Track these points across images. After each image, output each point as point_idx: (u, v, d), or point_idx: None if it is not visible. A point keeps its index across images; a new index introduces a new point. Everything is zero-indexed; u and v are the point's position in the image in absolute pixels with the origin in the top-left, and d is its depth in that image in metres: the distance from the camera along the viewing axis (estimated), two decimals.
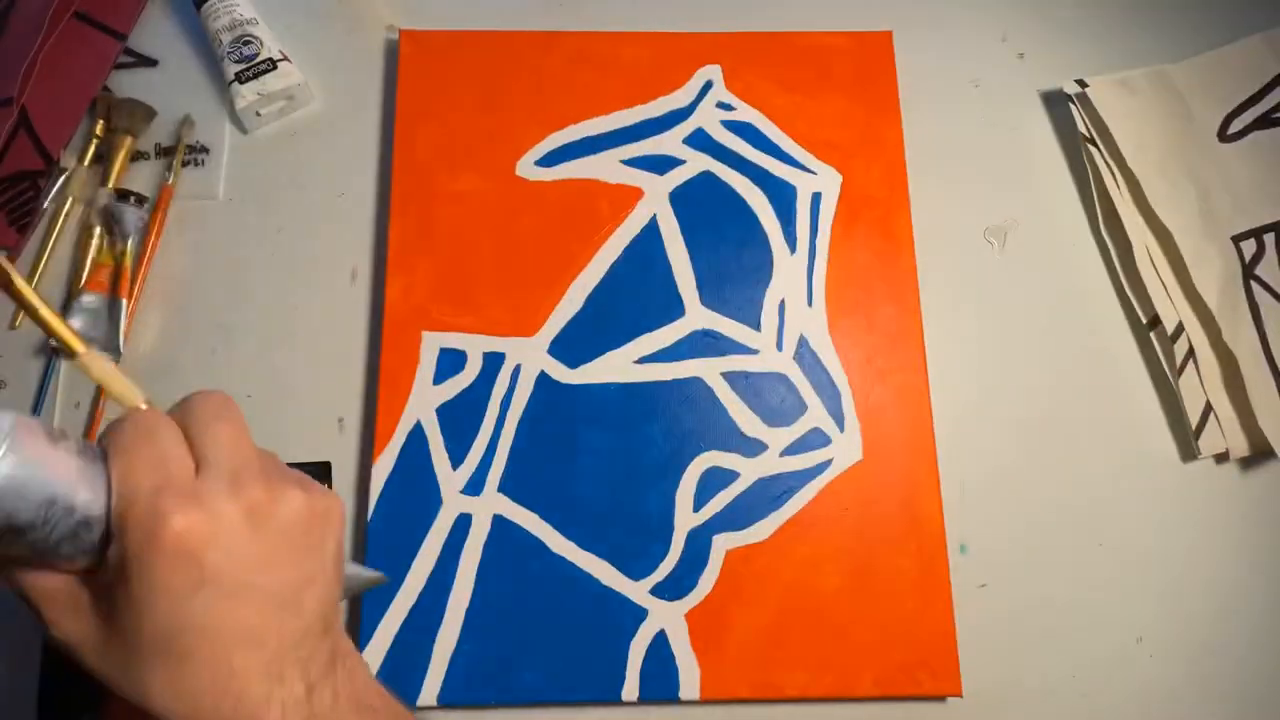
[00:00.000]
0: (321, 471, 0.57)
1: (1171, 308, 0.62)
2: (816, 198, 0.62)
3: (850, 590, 0.56)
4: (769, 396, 0.59)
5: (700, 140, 0.63)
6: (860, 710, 0.56)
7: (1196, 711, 0.57)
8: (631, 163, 0.63)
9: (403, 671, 0.53)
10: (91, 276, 0.60)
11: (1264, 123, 0.67)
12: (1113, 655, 0.57)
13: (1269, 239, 0.64)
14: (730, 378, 0.59)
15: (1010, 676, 0.56)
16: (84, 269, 0.61)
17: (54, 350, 0.59)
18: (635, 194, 0.62)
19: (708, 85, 0.65)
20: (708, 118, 0.64)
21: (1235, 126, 0.67)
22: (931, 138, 0.66)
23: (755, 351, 0.59)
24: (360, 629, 0.54)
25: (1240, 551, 0.60)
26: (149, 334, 0.61)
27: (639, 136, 0.63)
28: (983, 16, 0.71)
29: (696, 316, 0.60)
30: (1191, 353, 0.61)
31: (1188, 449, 0.61)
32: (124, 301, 0.60)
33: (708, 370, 0.59)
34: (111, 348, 0.59)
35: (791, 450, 0.58)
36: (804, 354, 0.60)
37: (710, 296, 0.60)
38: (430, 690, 0.53)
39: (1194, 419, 0.60)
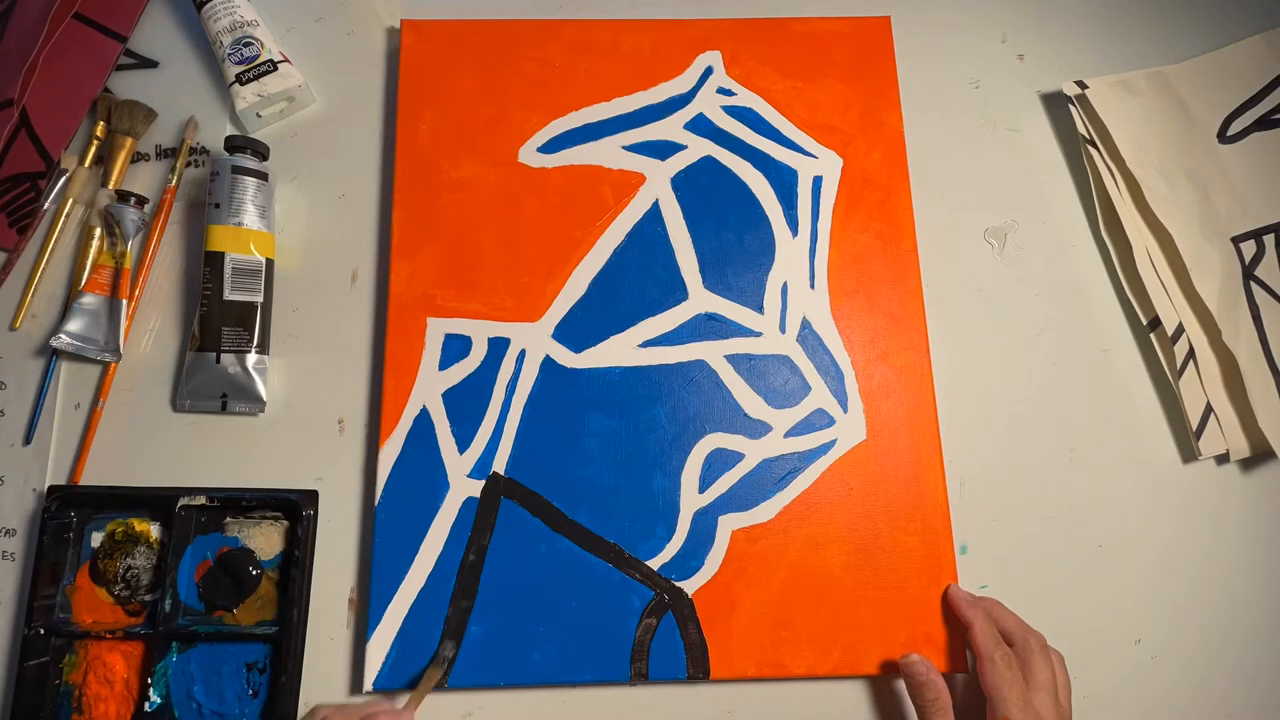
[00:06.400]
0: (308, 498, 0.57)
1: (1172, 309, 0.62)
2: (817, 181, 0.62)
3: (856, 569, 0.57)
4: (772, 378, 0.59)
5: (701, 125, 0.63)
6: (867, 687, 0.57)
7: (1196, 713, 0.57)
8: (633, 148, 0.63)
9: (412, 655, 0.54)
10: (92, 278, 0.60)
11: (1264, 124, 0.67)
12: (1113, 657, 0.57)
13: (1269, 240, 0.64)
14: (734, 360, 0.59)
15: None
16: (84, 270, 0.61)
17: None
18: (637, 179, 0.62)
19: (708, 71, 0.64)
20: (708, 103, 0.64)
21: (1235, 128, 0.67)
22: (931, 138, 0.66)
23: (758, 334, 0.60)
24: (369, 614, 0.55)
25: (1241, 552, 0.60)
26: (149, 336, 0.62)
27: (640, 122, 0.63)
28: (983, 17, 0.71)
29: (699, 300, 0.60)
30: (1192, 354, 0.61)
31: (1188, 450, 0.61)
32: (124, 303, 0.60)
33: (711, 353, 0.60)
34: (111, 349, 0.60)
35: (795, 431, 0.59)
36: (807, 336, 0.60)
37: (713, 280, 0.60)
38: None
39: (1194, 420, 0.60)
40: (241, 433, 0.60)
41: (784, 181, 0.62)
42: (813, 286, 0.60)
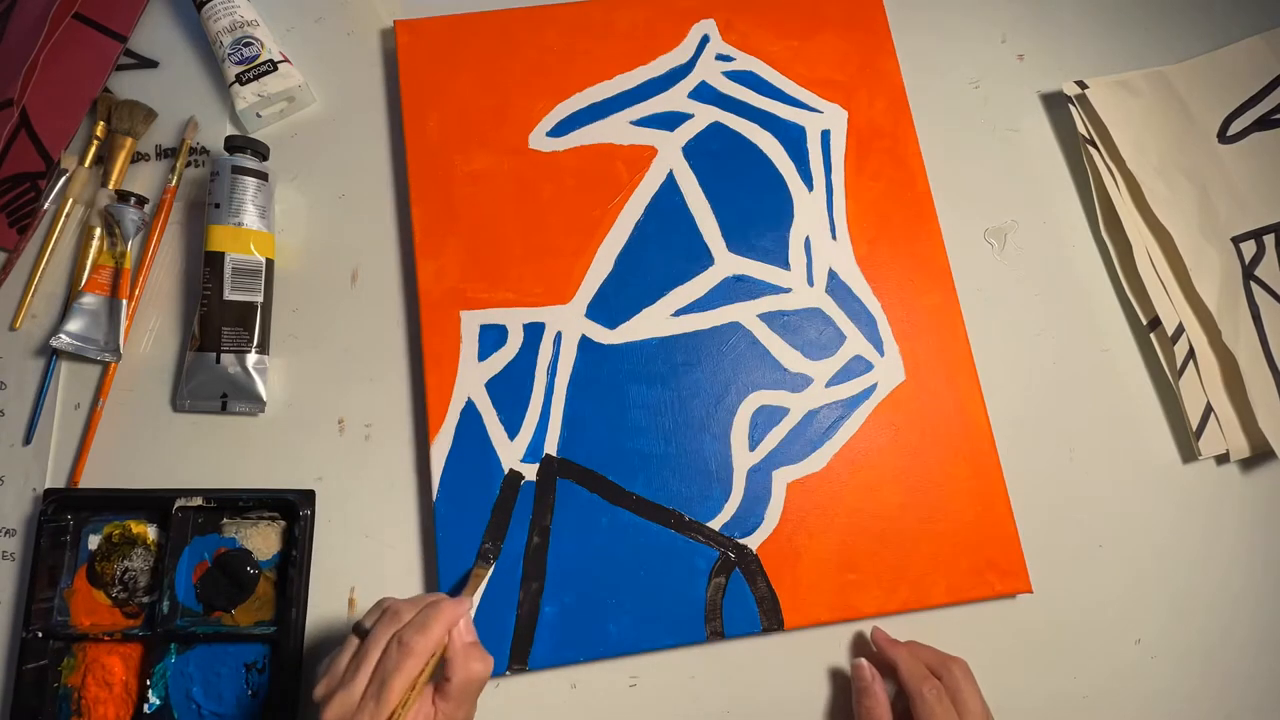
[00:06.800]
0: (305, 497, 0.56)
1: (1171, 309, 0.62)
2: (826, 135, 0.64)
3: (912, 505, 0.57)
4: (807, 331, 0.60)
5: (705, 93, 0.65)
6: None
7: (1197, 713, 0.57)
8: (641, 123, 0.64)
9: (490, 644, 0.52)
10: (92, 278, 0.59)
11: (1264, 124, 0.67)
12: (1113, 657, 0.57)
13: (1269, 240, 0.64)
14: (767, 318, 0.60)
15: (1010, 680, 0.56)
16: (84, 270, 0.60)
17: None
18: (649, 153, 0.63)
19: (704, 40, 0.66)
20: (709, 70, 0.65)
21: (1235, 128, 0.67)
22: (932, 139, 0.65)
23: (787, 290, 0.61)
24: None
25: (1240, 552, 0.60)
26: (149, 336, 0.60)
27: (645, 96, 0.64)
28: (983, 18, 0.71)
29: (725, 263, 0.61)
30: (1192, 354, 0.62)
31: (1188, 450, 0.61)
32: (124, 303, 0.58)
33: (744, 314, 0.60)
34: (111, 349, 0.58)
35: (836, 380, 0.59)
36: (835, 286, 0.61)
37: (736, 242, 0.61)
38: (519, 656, 0.53)
39: (1194, 420, 0.60)
40: (241, 433, 0.59)
41: (793, 139, 0.64)
42: (834, 238, 0.62)
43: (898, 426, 0.58)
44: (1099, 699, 0.56)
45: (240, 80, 0.62)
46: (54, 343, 0.57)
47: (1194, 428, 0.60)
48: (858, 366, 0.59)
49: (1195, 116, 0.67)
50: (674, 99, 0.64)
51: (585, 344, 0.59)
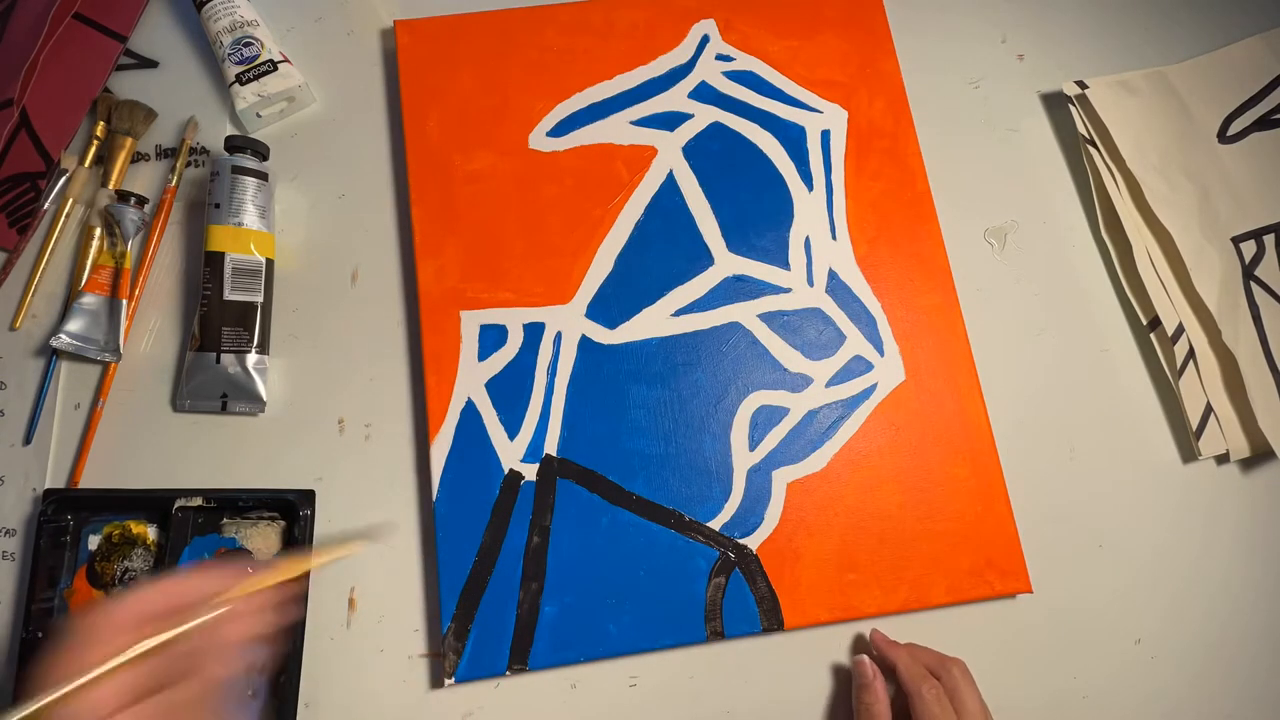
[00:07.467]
0: (305, 498, 0.56)
1: (1171, 309, 0.62)
2: (826, 135, 0.64)
3: (912, 505, 0.57)
4: (807, 331, 0.60)
5: (705, 93, 0.65)
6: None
7: (1196, 713, 0.57)
8: (641, 123, 0.64)
9: (490, 644, 0.53)
10: (92, 278, 0.59)
11: (1263, 124, 0.67)
12: (1112, 657, 0.57)
13: (1269, 240, 0.64)
14: (767, 318, 0.60)
15: (1010, 680, 0.56)
16: (84, 270, 0.60)
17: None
18: (649, 153, 0.63)
19: (704, 40, 0.66)
20: (709, 70, 0.65)
21: (1235, 128, 0.67)
22: (932, 139, 0.65)
23: (787, 290, 0.61)
24: (440, 608, 0.53)
25: (1240, 552, 0.60)
26: (149, 336, 0.60)
27: (645, 96, 0.64)
28: (983, 18, 0.71)
29: (725, 264, 0.61)
30: (1192, 354, 0.62)
31: (1188, 450, 0.61)
32: (124, 303, 0.58)
33: (744, 314, 0.60)
34: (111, 349, 0.58)
35: (836, 380, 0.59)
36: (835, 286, 0.61)
37: (736, 242, 0.61)
38: (519, 656, 0.53)
39: (1194, 420, 0.60)
40: (241, 433, 0.58)
41: (793, 139, 0.64)
42: (834, 238, 0.62)
43: (898, 426, 0.58)
44: (1099, 699, 0.56)
45: (240, 80, 0.62)
46: (54, 343, 0.56)
47: (1194, 428, 0.60)
48: (858, 366, 0.59)
49: (1195, 116, 0.67)
50: (674, 99, 0.64)
51: (585, 344, 0.59)
